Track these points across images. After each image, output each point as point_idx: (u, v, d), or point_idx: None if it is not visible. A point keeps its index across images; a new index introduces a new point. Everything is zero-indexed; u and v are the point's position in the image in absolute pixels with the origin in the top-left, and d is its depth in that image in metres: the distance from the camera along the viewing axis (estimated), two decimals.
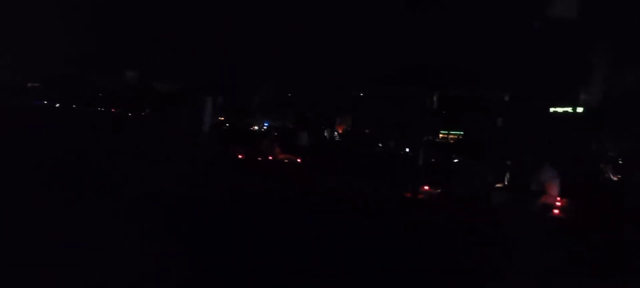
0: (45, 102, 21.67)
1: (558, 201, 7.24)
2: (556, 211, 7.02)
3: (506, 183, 7.87)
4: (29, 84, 23.64)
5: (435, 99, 10.99)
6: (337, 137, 13.66)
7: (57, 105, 20.91)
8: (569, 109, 13.08)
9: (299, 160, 10.61)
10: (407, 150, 12.16)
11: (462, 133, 14.77)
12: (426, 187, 7.98)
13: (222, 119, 18.43)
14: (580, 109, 12.98)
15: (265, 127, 17.80)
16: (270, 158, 10.61)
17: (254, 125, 18.48)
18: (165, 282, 3.60)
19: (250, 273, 3.84)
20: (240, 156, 10.47)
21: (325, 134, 13.76)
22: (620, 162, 11.19)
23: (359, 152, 11.87)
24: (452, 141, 15.29)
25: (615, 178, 9.51)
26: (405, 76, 10.27)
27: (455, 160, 10.90)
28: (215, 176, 7.91)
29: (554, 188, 7.28)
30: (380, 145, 14.35)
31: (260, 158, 10.54)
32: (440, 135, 15.52)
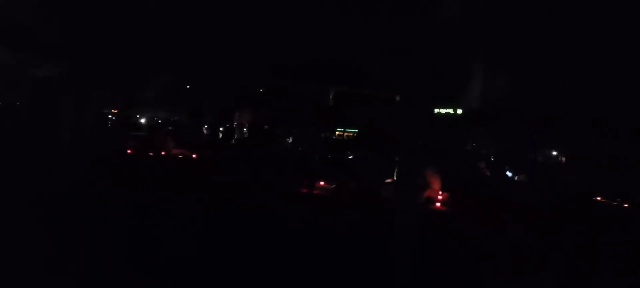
0: None
1: (440, 195, 7.91)
2: (438, 204, 7.65)
3: (395, 178, 8.38)
4: None
5: (331, 96, 11.29)
6: (246, 133, 13.51)
7: None
8: (451, 111, 14.27)
9: (194, 155, 10.32)
10: (304, 146, 12.39)
11: (356, 130, 15.38)
12: (322, 183, 8.24)
13: (113, 110, 17.28)
14: (459, 111, 14.20)
15: (159, 121, 17.00)
16: (162, 153, 10.18)
17: (147, 118, 17.56)
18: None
19: (132, 271, 3.70)
20: (129, 151, 9.92)
21: (235, 134, 13.50)
22: (492, 159, 12.46)
23: (256, 148, 11.84)
24: (347, 138, 15.85)
25: (488, 174, 10.58)
26: (302, 72, 10.42)
27: (350, 157, 11.33)
28: (100, 172, 7.43)
29: (436, 183, 7.94)
30: (279, 141, 14.43)
31: (151, 154, 10.07)
32: (337, 132, 16.02)
